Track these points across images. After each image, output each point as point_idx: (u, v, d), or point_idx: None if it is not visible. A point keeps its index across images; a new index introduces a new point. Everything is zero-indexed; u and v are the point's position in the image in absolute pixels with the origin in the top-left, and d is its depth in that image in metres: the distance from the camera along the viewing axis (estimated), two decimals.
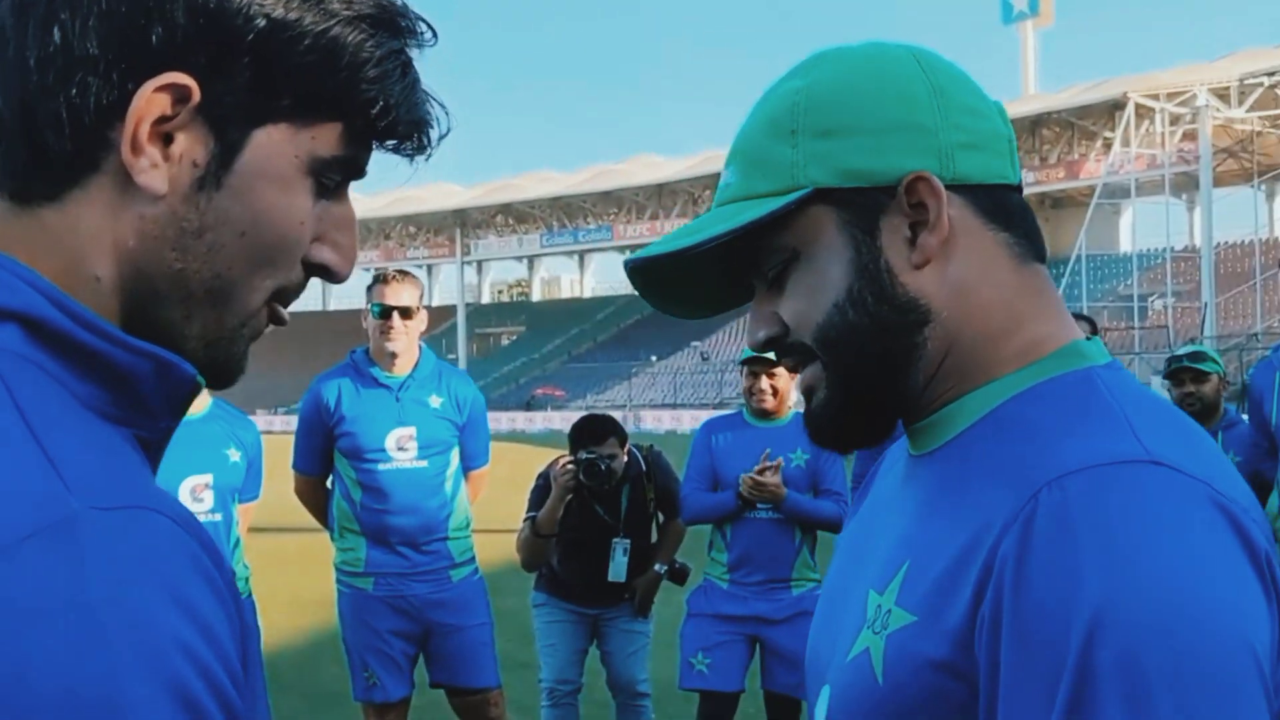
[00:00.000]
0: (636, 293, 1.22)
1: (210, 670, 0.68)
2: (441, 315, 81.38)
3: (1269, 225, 58.34)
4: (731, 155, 1.13)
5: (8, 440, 0.70)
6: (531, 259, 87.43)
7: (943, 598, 0.96)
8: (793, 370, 1.15)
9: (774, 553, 4.99)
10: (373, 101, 0.85)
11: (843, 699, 1.06)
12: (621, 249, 79.65)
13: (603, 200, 76.01)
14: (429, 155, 0.91)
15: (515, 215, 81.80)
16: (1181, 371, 5.78)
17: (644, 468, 5.39)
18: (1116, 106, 50.51)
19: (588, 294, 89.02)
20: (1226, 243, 57.15)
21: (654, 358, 72.25)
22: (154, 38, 0.77)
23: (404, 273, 4.82)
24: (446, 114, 0.91)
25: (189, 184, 0.80)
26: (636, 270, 1.15)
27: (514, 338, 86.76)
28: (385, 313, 4.69)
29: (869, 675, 1.01)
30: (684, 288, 1.19)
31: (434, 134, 0.90)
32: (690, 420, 51.95)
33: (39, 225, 0.79)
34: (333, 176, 0.86)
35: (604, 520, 5.22)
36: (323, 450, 4.82)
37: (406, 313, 4.70)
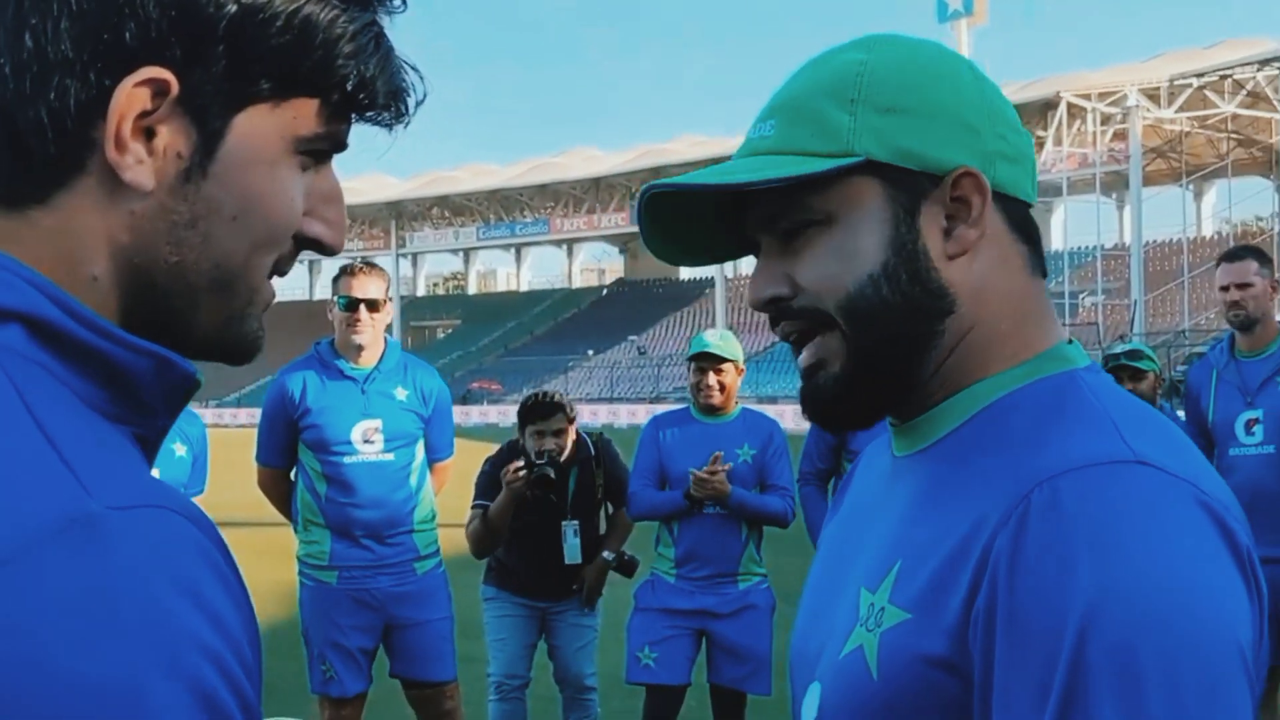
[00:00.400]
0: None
1: (225, 664, 0.69)
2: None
3: (1197, 224, 59.34)
4: (775, 109, 1.13)
5: (23, 442, 0.71)
6: (467, 252, 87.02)
7: (937, 595, 0.99)
8: (789, 336, 1.15)
9: (721, 548, 5.04)
10: (349, 76, 0.84)
11: (835, 695, 1.08)
12: (558, 242, 79.58)
13: (540, 194, 75.82)
14: (407, 123, 0.92)
15: (451, 208, 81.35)
16: (1119, 370, 5.87)
17: (593, 452, 5.41)
18: (1049, 106, 51.12)
19: (524, 287, 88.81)
20: (1155, 241, 58.13)
21: (590, 352, 72.23)
22: (127, 34, 0.77)
23: (371, 264, 4.81)
24: (421, 79, 0.91)
25: (175, 176, 0.80)
26: (656, 199, 1.15)
27: (449, 331, 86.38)
28: (352, 305, 4.67)
29: (863, 671, 1.03)
30: (682, 232, 1.20)
31: (411, 102, 0.91)
32: (627, 414, 52.03)
33: (30, 227, 0.79)
34: (316, 152, 0.87)
35: (551, 503, 5.22)
36: (287, 443, 4.79)
37: (373, 305, 4.69)
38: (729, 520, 5.01)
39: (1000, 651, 0.93)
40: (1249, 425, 5.02)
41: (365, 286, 4.67)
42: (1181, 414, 6.09)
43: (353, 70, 0.85)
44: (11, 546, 0.66)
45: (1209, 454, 5.13)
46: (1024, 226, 1.13)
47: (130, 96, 0.77)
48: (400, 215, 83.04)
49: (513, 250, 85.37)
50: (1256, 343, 5.12)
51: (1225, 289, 5.12)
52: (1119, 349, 6.17)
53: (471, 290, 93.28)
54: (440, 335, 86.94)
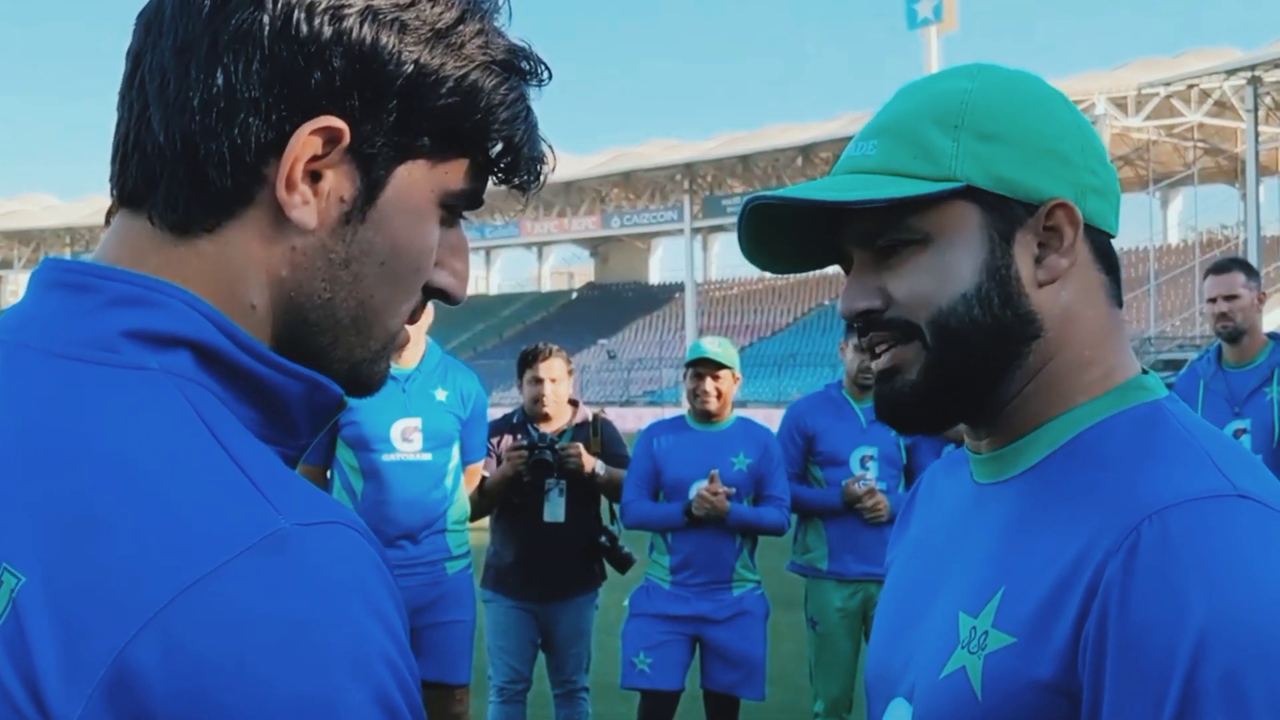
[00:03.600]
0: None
1: (398, 670, 0.75)
2: None
3: (1164, 232, 59.82)
4: (876, 130, 1.17)
5: (212, 463, 0.75)
6: None
7: (1045, 620, 1.03)
8: (871, 347, 1.19)
9: (715, 556, 5.09)
10: (500, 141, 0.90)
11: (934, 713, 1.12)
12: (528, 245, 79.43)
13: (510, 196, 75.48)
14: (537, 190, 0.97)
15: None
16: None
17: (590, 419, 5.48)
18: None
19: (494, 290, 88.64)
20: (1123, 248, 58.38)
21: (567, 354, 71.99)
22: (312, 82, 0.82)
23: None
24: (552, 152, 0.97)
25: (337, 218, 0.85)
26: (759, 216, 1.18)
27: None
28: None
29: (967, 693, 1.08)
30: (776, 237, 1.23)
31: (544, 170, 0.96)
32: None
33: (197, 256, 0.84)
34: (457, 208, 0.92)
35: (544, 461, 5.21)
36: (326, 440, 4.79)
37: None
38: (724, 529, 5.05)
39: (1110, 674, 0.97)
40: (1236, 435, 5.10)
41: None
42: None
43: (505, 135, 0.90)
44: (212, 561, 0.70)
45: None
46: (1107, 257, 1.18)
47: (306, 142, 0.82)
48: None
49: (483, 253, 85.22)
50: (1244, 354, 5.22)
51: (1213, 300, 5.21)
52: None
53: None
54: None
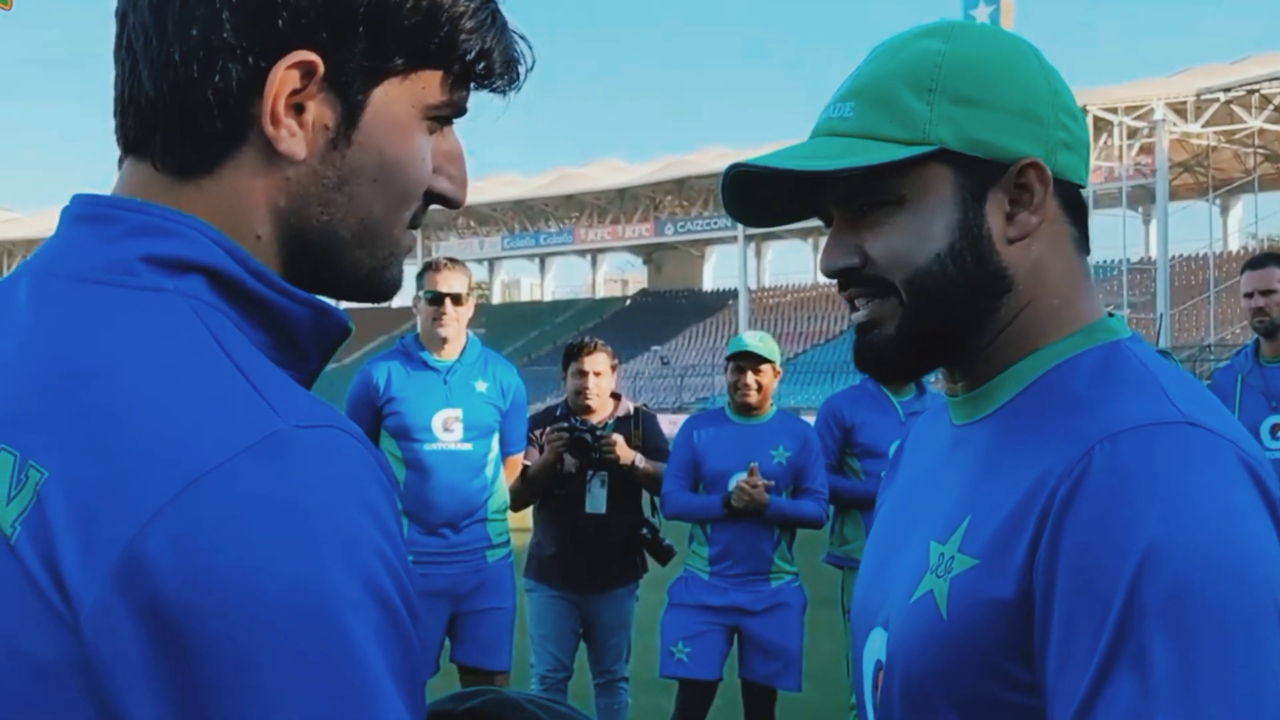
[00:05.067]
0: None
1: (391, 563, 0.80)
2: (402, 316, 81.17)
3: (1223, 239, 59.08)
4: (853, 91, 1.22)
5: (220, 372, 0.82)
6: (492, 261, 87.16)
7: (1004, 542, 1.09)
8: (854, 298, 1.25)
9: (754, 548, 5.13)
10: (471, 50, 0.96)
11: (905, 636, 1.18)
12: (582, 252, 79.59)
13: (564, 204, 75.91)
14: (519, 88, 1.03)
15: (477, 217, 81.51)
16: None
17: (631, 412, 5.55)
18: None
19: (548, 297, 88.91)
20: (1181, 256, 57.81)
21: (612, 350, 71.96)
22: (280, 22, 0.88)
23: (454, 261, 5.00)
24: (530, 49, 1.02)
25: (324, 145, 0.92)
26: (741, 175, 1.23)
27: (475, 332, 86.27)
28: (437, 299, 4.85)
29: (933, 613, 1.14)
30: (757, 198, 1.29)
31: (522, 69, 1.02)
32: None
33: (201, 194, 0.91)
34: (440, 117, 0.98)
35: (582, 440, 5.29)
36: (369, 429, 4.90)
37: (457, 299, 4.86)
38: (762, 521, 5.10)
39: (1060, 590, 1.03)
40: (1274, 430, 5.10)
41: (450, 281, 4.85)
42: None
43: (474, 44, 0.96)
44: (215, 458, 0.76)
45: None
46: (1075, 208, 1.24)
47: (283, 78, 0.89)
48: (426, 225, 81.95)
49: (537, 260, 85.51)
50: None
51: (1249, 295, 5.21)
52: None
53: (495, 300, 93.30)
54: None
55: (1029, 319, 1.21)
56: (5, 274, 0.92)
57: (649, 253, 79.16)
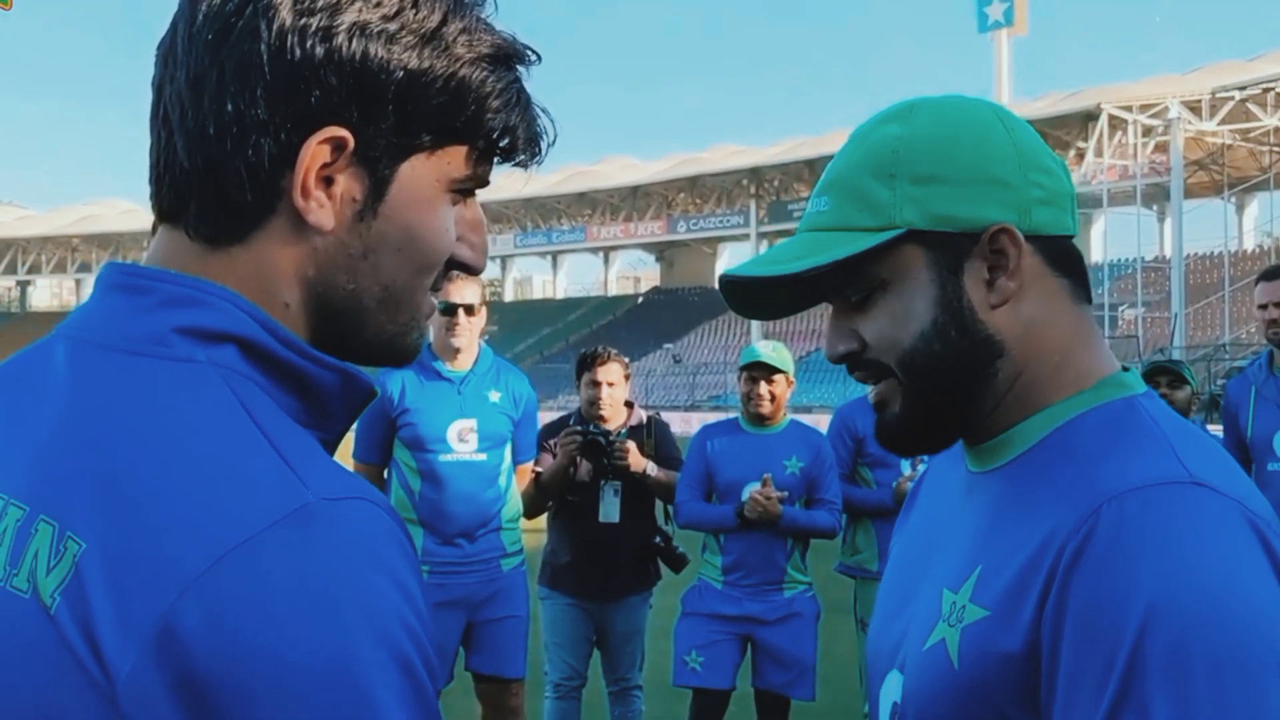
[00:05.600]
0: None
1: (416, 634, 0.83)
2: None
3: (1238, 237, 58.86)
4: (827, 185, 1.26)
5: (250, 444, 0.85)
6: (504, 259, 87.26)
7: (1014, 596, 1.12)
8: (864, 381, 1.29)
9: (767, 557, 5.14)
10: (496, 128, 0.99)
11: (919, 682, 1.22)
12: (595, 250, 79.59)
13: (577, 201, 75.95)
14: (541, 161, 1.06)
15: (489, 215, 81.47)
16: (1159, 373, 5.92)
17: (644, 421, 5.57)
18: (1090, 117, 50.87)
19: (560, 294, 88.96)
20: (1196, 254, 57.65)
21: (626, 359, 72.07)
22: (313, 99, 0.91)
23: None
24: (553, 123, 1.05)
25: (351, 217, 0.94)
26: (732, 283, 1.29)
27: (485, 338, 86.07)
28: (450, 309, 4.84)
29: (945, 662, 1.17)
30: (763, 297, 1.34)
31: (544, 144, 1.05)
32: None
33: (232, 263, 0.93)
34: (464, 189, 1.01)
35: (596, 442, 5.32)
36: (384, 440, 4.92)
37: (470, 309, 4.86)
38: (775, 531, 5.11)
39: (1066, 646, 1.06)
40: None
41: (463, 292, 4.84)
42: (1212, 429, 6.17)
43: (499, 122, 0.98)
44: (244, 532, 0.79)
45: (1246, 470, 5.21)
46: (1064, 260, 1.25)
47: (315, 152, 0.91)
48: None
49: (549, 258, 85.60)
50: None
51: (1264, 307, 5.20)
52: (1163, 361, 6.22)
53: (508, 297, 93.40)
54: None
55: (1031, 379, 1.23)
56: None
57: (661, 250, 79.16)
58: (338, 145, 0.92)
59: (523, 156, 1.03)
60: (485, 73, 0.97)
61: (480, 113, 0.97)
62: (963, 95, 1.29)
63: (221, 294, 0.91)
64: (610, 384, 5.44)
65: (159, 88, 0.95)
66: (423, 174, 0.96)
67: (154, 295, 0.91)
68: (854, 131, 1.29)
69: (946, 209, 1.19)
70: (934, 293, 1.21)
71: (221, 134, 0.91)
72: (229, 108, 0.90)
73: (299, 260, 0.94)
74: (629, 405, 5.63)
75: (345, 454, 5.09)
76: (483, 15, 0.99)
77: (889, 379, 1.25)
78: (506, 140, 1.00)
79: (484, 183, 1.02)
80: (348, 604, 0.79)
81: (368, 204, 0.94)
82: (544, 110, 1.03)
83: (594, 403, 5.47)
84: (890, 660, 1.31)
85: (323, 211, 0.93)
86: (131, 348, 0.89)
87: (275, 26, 0.90)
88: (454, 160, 0.98)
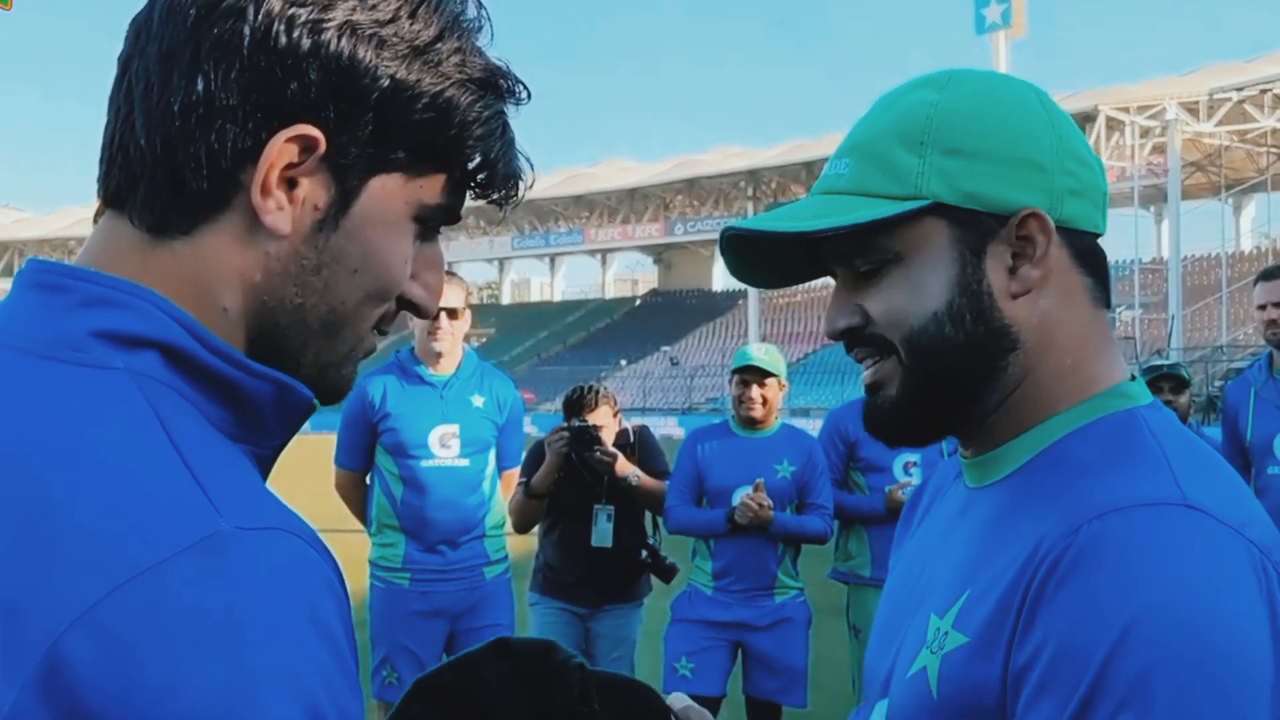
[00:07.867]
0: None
1: (334, 685, 0.75)
2: (395, 329, 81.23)
3: (1235, 239, 58.89)
4: (849, 148, 1.17)
5: (160, 463, 0.77)
6: (502, 261, 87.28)
7: (994, 621, 1.04)
8: (861, 359, 1.20)
9: (758, 563, 5.08)
10: (475, 156, 0.93)
11: (901, 712, 1.14)
12: (592, 252, 79.63)
13: (574, 204, 75.93)
14: (516, 204, 1.00)
15: (486, 217, 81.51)
16: (1162, 380, 5.86)
17: (631, 439, 5.47)
18: (1087, 118, 50.85)
19: (558, 297, 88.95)
20: (1194, 255, 57.71)
21: (623, 361, 72.21)
22: (289, 91, 0.85)
23: (450, 274, 4.85)
24: (531, 169, 0.99)
25: (310, 225, 0.88)
26: (737, 238, 1.20)
27: (483, 340, 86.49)
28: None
29: (925, 691, 1.09)
30: (763, 260, 1.25)
31: (522, 187, 0.98)
32: (659, 425, 51.99)
33: (173, 257, 0.86)
34: (433, 222, 0.94)
35: (587, 485, 5.24)
36: (365, 446, 4.86)
37: (453, 313, 4.77)
38: (766, 536, 5.04)
39: (1038, 666, 0.98)
40: None
41: (446, 295, 4.71)
42: (1208, 432, 6.10)
43: (479, 151, 0.93)
44: (148, 559, 0.72)
45: (1245, 474, 5.13)
46: (1090, 258, 1.17)
47: (282, 149, 0.85)
48: None
49: (547, 260, 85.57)
50: None
51: (1263, 307, 5.14)
52: (1162, 365, 6.15)
53: (505, 300, 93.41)
54: (474, 344, 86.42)
55: (1040, 380, 1.15)
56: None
57: (659, 252, 79.20)
58: (307, 146, 0.86)
59: (497, 193, 0.97)
60: (473, 97, 0.92)
61: (461, 137, 0.92)
62: (1003, 74, 1.20)
63: (145, 295, 0.84)
64: (602, 427, 5.33)
65: (125, 61, 0.89)
66: (392, 194, 0.90)
67: (72, 295, 0.84)
68: (881, 96, 1.20)
69: (977, 186, 1.11)
70: (953, 272, 1.12)
71: (186, 113, 0.85)
72: (199, 86, 0.84)
73: (247, 263, 0.87)
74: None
75: (327, 459, 5.06)
76: (478, 41, 0.94)
77: (889, 358, 1.16)
78: (484, 173, 0.95)
79: (453, 217, 0.96)
80: (254, 643, 0.72)
81: (330, 215, 0.88)
82: (525, 155, 0.98)
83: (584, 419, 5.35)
84: (883, 689, 1.23)
85: (281, 214, 0.86)
86: (44, 351, 0.82)
87: (263, 10, 0.85)
88: (427, 185, 0.92)
